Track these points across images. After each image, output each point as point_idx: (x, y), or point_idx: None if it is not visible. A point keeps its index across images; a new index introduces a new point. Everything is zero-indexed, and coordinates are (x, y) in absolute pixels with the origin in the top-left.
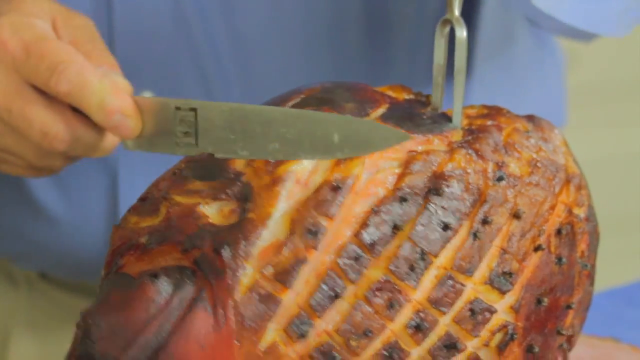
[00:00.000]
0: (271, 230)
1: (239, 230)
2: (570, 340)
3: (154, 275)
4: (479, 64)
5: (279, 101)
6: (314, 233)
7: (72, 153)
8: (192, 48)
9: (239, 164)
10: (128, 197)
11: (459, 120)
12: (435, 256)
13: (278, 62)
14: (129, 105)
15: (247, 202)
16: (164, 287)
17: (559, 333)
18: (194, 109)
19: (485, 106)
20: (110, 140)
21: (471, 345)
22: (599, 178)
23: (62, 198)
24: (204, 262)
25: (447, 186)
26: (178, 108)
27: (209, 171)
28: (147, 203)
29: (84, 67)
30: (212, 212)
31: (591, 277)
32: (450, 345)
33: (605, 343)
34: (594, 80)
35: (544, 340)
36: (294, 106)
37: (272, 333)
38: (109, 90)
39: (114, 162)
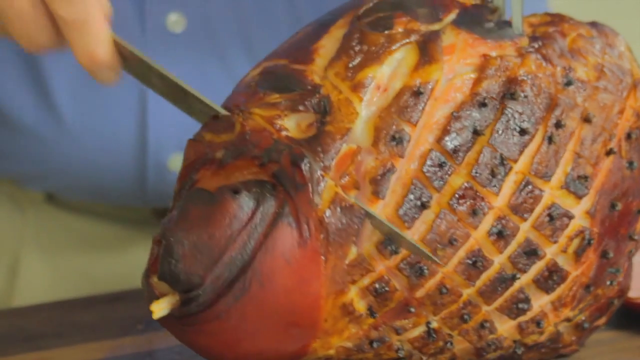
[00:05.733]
0: (352, 140)
1: (318, 143)
2: (636, 247)
3: (235, 191)
4: None
5: (351, 6)
6: (398, 140)
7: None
8: None
9: (315, 76)
10: (157, 116)
11: (519, 25)
12: (515, 161)
13: None
14: (113, 61)
15: (326, 115)
16: (245, 202)
17: (630, 238)
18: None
19: (547, 14)
20: None
21: (550, 251)
22: None
23: (87, 114)
24: (283, 175)
25: (522, 90)
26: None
27: (286, 83)
28: (221, 119)
29: (94, 6)
30: (291, 124)
31: None
32: (531, 251)
33: None
34: None
35: (617, 246)
36: (366, 11)
37: (359, 247)
38: (103, 38)
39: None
